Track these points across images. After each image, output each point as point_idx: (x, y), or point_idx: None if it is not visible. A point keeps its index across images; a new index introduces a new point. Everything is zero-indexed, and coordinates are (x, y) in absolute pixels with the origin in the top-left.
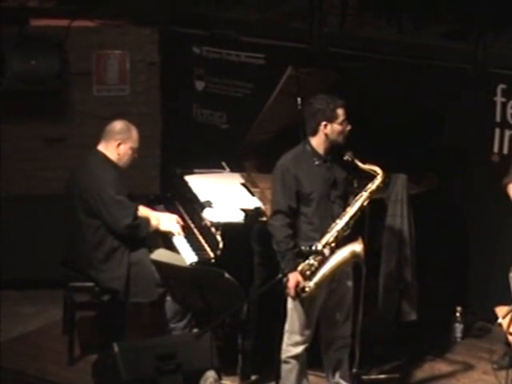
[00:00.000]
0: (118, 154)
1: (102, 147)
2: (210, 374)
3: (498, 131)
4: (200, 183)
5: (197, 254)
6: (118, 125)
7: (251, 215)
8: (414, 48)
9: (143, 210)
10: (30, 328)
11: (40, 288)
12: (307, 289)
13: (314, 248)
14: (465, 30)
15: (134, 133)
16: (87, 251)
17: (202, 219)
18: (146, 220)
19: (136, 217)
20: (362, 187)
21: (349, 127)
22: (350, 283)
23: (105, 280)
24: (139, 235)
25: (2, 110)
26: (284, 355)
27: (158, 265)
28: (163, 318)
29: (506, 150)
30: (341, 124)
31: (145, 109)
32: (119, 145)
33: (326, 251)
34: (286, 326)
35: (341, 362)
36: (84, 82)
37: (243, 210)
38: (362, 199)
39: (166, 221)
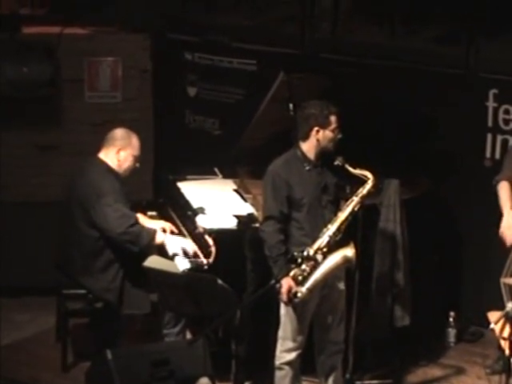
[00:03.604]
0: (119, 161)
1: (102, 155)
2: (204, 381)
3: (489, 136)
4: (193, 189)
5: (190, 261)
6: (118, 132)
7: (244, 221)
8: (406, 53)
9: (148, 222)
10: (23, 335)
11: (33, 295)
12: (299, 294)
13: (305, 253)
14: (456, 34)
15: (135, 140)
16: (84, 260)
17: (194, 225)
18: (150, 232)
19: (133, 225)
20: (354, 192)
21: (340, 135)
22: (342, 286)
23: (99, 290)
24: (138, 245)
25: None
26: (277, 361)
27: (151, 272)
28: (157, 324)
29: (497, 155)
30: (333, 131)
31: (137, 115)
32: (119, 151)
33: (318, 256)
34: (279, 333)
35: (334, 367)
36: (76, 88)
37: (236, 216)
38: (352, 204)
39: (173, 238)
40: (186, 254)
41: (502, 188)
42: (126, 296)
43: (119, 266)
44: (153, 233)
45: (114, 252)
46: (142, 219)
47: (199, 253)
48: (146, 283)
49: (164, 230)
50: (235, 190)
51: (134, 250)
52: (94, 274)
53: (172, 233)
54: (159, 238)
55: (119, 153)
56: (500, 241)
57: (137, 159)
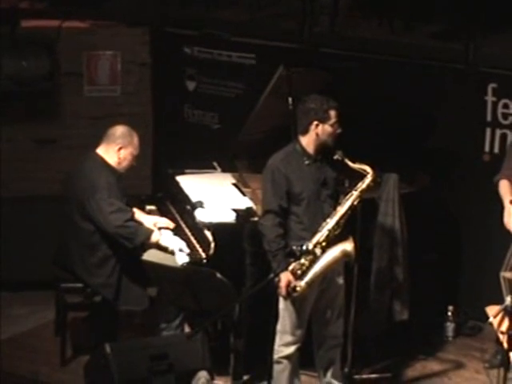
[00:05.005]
0: (119, 158)
1: (101, 150)
2: (202, 375)
3: (488, 130)
4: (191, 183)
5: (188, 255)
6: (119, 129)
7: (242, 215)
8: (406, 48)
9: (142, 217)
10: (22, 329)
11: (32, 289)
12: (298, 288)
13: (304, 247)
14: (456, 29)
15: (136, 139)
16: (81, 254)
17: (193, 219)
18: (147, 231)
19: (130, 219)
20: (353, 187)
21: (339, 130)
22: (341, 281)
23: (96, 285)
24: (133, 242)
25: None
26: (276, 355)
27: (150, 265)
28: (155, 318)
29: (496, 150)
30: (332, 126)
31: (136, 109)
32: (120, 149)
33: (317, 250)
34: (278, 326)
35: (333, 361)
36: (75, 82)
37: (235, 210)
38: (352, 198)
39: (168, 236)
40: (182, 252)
41: (502, 186)
42: (123, 292)
43: (116, 261)
44: (149, 232)
45: (111, 247)
46: (138, 214)
47: (198, 248)
48: (143, 279)
49: (154, 225)
50: (234, 184)
51: (128, 247)
52: (90, 268)
53: (163, 229)
54: (155, 237)
55: (120, 151)
56: (503, 233)
57: (135, 158)
